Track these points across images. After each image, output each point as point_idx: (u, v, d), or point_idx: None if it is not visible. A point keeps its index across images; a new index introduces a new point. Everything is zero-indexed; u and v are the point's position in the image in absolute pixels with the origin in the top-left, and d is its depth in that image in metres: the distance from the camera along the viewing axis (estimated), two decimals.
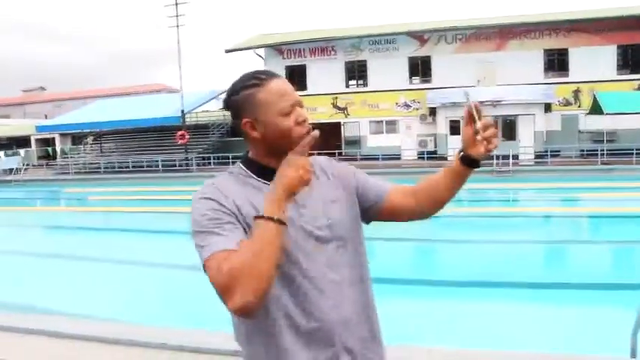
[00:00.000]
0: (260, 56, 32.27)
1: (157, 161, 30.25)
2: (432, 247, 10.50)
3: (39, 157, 40.70)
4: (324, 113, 31.17)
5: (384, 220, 1.72)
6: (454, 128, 27.64)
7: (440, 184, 1.62)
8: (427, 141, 29.01)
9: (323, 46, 31.34)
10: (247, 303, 1.26)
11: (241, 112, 1.52)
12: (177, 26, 31.78)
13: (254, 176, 1.54)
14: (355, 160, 27.63)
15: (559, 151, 27.05)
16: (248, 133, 1.54)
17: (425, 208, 1.67)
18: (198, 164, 30.54)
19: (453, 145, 26.82)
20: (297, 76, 31.56)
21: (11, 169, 32.91)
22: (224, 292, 1.27)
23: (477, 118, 1.51)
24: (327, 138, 31.46)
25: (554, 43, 28.61)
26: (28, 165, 34.99)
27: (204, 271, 1.34)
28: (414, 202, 1.66)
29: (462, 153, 1.58)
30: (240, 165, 1.59)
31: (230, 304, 1.27)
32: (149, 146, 34.70)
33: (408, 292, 7.55)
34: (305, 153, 1.41)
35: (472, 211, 14.32)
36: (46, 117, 54.71)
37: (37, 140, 43.02)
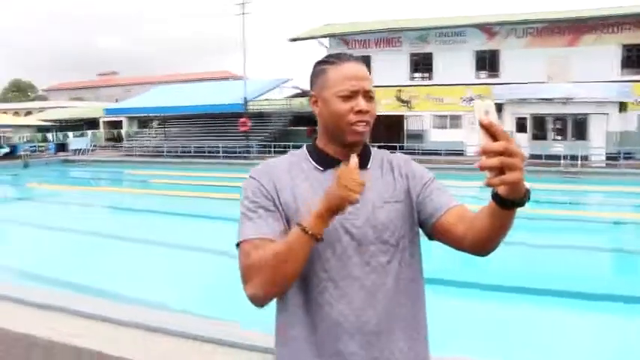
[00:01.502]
0: (324, 46, 32.14)
1: (218, 147, 30.62)
2: None
3: (106, 139, 42.11)
4: (387, 105, 30.79)
5: (441, 242, 1.48)
6: (521, 125, 26.74)
7: (479, 218, 1.31)
8: None
9: (388, 37, 30.90)
10: (255, 296, 1.34)
11: (312, 84, 1.54)
12: (243, 14, 32.04)
13: (311, 160, 1.52)
14: (415, 154, 27.17)
15: (632, 154, 25.69)
16: (312, 107, 1.54)
17: (470, 242, 1.36)
18: (258, 152, 30.77)
19: (520, 144, 25.91)
20: None
21: (79, 150, 34.18)
22: (242, 278, 1.36)
23: (482, 136, 1.11)
24: (390, 131, 31.06)
25: (634, 37, 27.11)
26: (95, 146, 36.19)
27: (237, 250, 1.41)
28: (462, 232, 1.37)
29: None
30: (305, 147, 1.58)
31: (245, 290, 1.35)
32: (211, 132, 35.26)
33: (462, 295, 7.26)
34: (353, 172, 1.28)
35: (533, 212, 13.78)
36: (116, 101, 56.52)
37: (105, 123, 44.52)
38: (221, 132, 34.67)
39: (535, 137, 26.53)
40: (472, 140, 28.70)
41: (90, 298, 5.34)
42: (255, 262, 1.32)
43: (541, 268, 8.79)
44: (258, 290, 1.32)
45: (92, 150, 34.74)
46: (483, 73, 29.76)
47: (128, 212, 15.41)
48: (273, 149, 30.94)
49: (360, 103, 1.43)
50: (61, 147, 35.44)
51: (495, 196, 1.18)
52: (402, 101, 30.70)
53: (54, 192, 20.48)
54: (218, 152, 30.52)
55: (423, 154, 27.66)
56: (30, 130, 40.05)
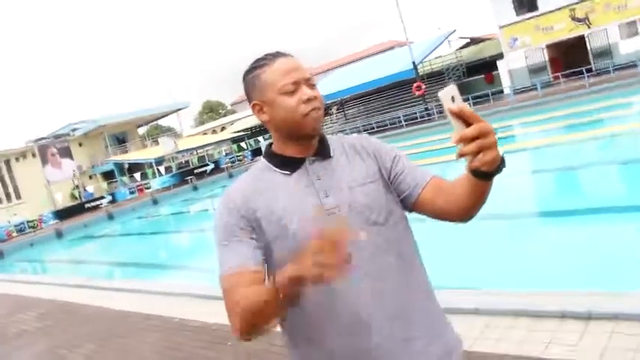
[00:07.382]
0: None
1: (399, 117, 30.92)
2: None
3: None
4: (562, 30, 28.68)
5: (421, 214, 1.50)
6: None
7: (459, 190, 1.34)
8: None
9: None
10: (238, 336, 1.32)
11: (250, 94, 1.49)
12: None
13: (274, 168, 1.48)
14: (608, 73, 24.92)
15: None
16: (259, 117, 1.49)
17: (454, 214, 1.41)
18: (439, 112, 30.37)
19: None
20: None
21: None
22: (228, 313, 1.35)
23: (454, 123, 1.15)
24: (571, 56, 28.87)
25: None
26: None
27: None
28: (442, 204, 1.42)
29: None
30: (263, 158, 1.54)
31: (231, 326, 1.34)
32: (389, 104, 35.78)
33: None
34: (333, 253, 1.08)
35: None
36: None
37: None
38: (398, 102, 35.00)
39: None
40: None
41: None
42: (232, 307, 1.32)
43: None
44: (237, 331, 1.32)
45: None
46: None
47: None
48: None
49: (305, 91, 1.42)
50: (257, 152, 38.55)
51: (473, 171, 1.20)
52: (579, 20, 28.22)
53: None
54: (400, 122, 30.63)
55: (616, 70, 25.25)
56: (227, 144, 44.34)
